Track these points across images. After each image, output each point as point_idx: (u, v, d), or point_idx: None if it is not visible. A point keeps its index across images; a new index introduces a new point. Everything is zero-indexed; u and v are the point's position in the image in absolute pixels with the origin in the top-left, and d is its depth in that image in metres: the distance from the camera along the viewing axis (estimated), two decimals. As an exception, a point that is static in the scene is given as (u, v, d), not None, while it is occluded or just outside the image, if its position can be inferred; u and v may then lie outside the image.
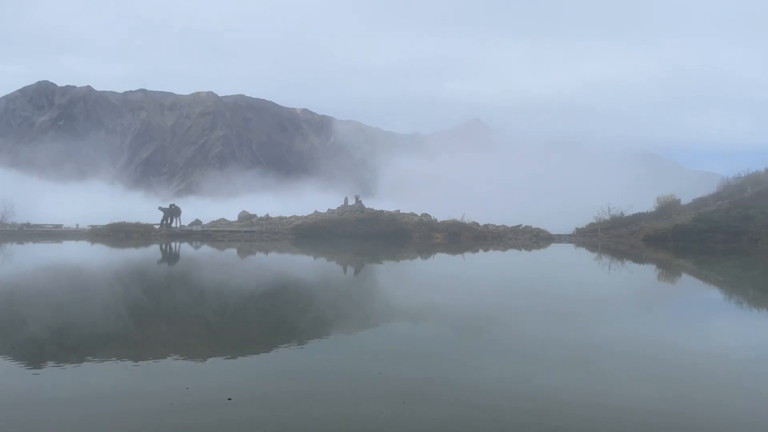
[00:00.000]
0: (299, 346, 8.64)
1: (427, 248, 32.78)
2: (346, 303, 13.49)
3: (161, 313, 11.97)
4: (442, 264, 25.63)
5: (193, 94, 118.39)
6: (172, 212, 40.93)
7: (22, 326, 10.02)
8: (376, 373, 6.94)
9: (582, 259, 29.50)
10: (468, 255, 29.41)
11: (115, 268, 20.27)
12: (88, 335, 9.29)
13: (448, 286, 17.23)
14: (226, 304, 13.23)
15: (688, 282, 20.20)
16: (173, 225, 40.61)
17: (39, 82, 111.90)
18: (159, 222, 40.38)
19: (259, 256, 27.31)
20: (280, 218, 44.47)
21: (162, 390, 6.39)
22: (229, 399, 5.93)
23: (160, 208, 41.03)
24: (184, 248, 30.40)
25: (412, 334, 9.75)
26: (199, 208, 57.06)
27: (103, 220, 38.13)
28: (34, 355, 7.98)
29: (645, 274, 23.03)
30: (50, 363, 7.49)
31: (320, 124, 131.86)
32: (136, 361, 7.57)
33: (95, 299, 12.92)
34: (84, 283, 16.43)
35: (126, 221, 38.37)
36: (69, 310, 11.50)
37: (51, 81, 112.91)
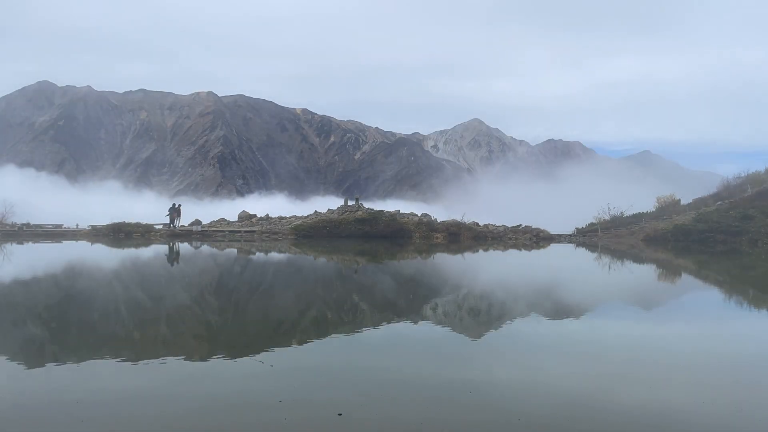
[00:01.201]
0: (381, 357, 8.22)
1: (427, 248, 32.78)
2: (375, 305, 13.46)
3: (208, 317, 11.59)
4: (445, 264, 25.64)
5: (193, 94, 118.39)
6: (176, 212, 41.03)
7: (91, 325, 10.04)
8: (467, 392, 6.33)
9: (586, 259, 29.52)
10: (468, 255, 29.43)
11: (133, 269, 20.26)
12: (132, 339, 9.21)
13: (460, 285, 17.25)
14: (272, 307, 12.97)
15: (691, 282, 20.23)
16: (173, 225, 40.65)
17: (39, 82, 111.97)
18: (167, 222, 40.57)
19: (272, 255, 27.30)
20: (280, 218, 44.47)
21: (254, 400, 6.03)
22: (340, 414, 5.50)
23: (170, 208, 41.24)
24: (186, 248, 30.41)
25: (451, 336, 9.60)
26: (199, 208, 57.15)
27: (104, 220, 38.19)
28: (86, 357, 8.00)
29: (653, 274, 23.05)
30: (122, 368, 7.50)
31: (320, 124, 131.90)
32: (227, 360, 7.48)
33: (120, 301, 12.91)
34: (106, 284, 16.42)
35: (125, 221, 38.37)
36: (104, 313, 11.51)
37: (51, 81, 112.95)
